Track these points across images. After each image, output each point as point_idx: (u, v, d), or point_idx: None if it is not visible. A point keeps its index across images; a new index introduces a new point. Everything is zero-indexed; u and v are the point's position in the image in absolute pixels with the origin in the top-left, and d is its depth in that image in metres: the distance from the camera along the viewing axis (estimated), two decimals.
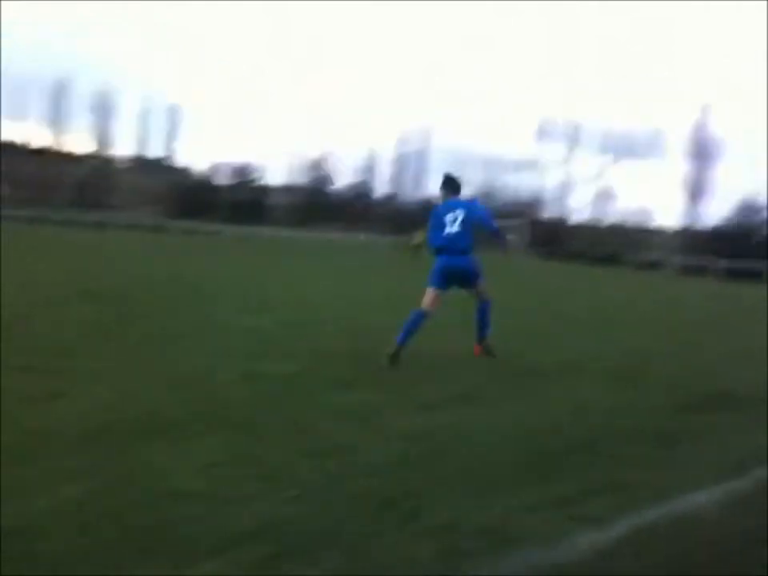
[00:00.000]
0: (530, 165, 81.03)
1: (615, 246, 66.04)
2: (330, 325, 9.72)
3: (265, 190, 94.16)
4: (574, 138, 77.46)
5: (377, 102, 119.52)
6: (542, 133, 78.95)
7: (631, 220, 74.38)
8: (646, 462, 4.57)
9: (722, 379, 7.65)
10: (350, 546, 3.04)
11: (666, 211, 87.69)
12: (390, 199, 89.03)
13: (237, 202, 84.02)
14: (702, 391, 6.95)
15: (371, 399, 5.65)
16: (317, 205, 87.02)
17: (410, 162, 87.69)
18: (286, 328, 9.15)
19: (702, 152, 65.84)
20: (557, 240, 67.96)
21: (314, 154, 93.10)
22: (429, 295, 7.45)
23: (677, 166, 77.22)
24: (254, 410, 5.09)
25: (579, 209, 78.22)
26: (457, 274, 7.52)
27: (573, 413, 5.69)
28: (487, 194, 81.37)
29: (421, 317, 7.32)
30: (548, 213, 78.75)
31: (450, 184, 7.97)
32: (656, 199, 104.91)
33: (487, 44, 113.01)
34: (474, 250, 7.54)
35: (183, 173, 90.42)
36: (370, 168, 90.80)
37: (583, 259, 56.99)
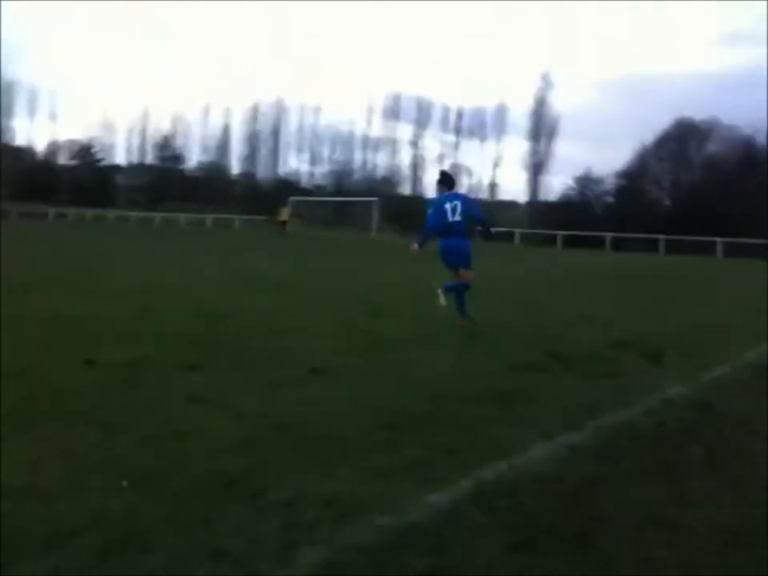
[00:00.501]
0: (384, 142, 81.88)
1: None
2: (180, 308, 9.41)
3: (111, 170, 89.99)
4: (424, 116, 78.94)
5: (227, 77, 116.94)
6: (392, 110, 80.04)
7: (482, 195, 76.81)
8: (486, 422, 4.71)
9: (558, 341, 8.04)
10: (188, 530, 2.94)
11: (513, 186, 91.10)
12: (245, 177, 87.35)
13: (80, 182, 79.88)
14: (539, 352, 7.28)
15: (220, 381, 5.51)
16: (168, 184, 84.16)
17: (263, 139, 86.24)
18: (133, 313, 8.76)
19: (543, 128, 68.86)
20: (410, 216, 69.12)
21: (163, 131, 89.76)
22: (453, 276, 8.85)
23: (520, 142, 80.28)
24: (94, 399, 4.83)
25: (432, 185, 79.58)
26: (455, 254, 8.76)
27: (418, 381, 5.79)
28: (342, 172, 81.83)
29: (461, 287, 8.78)
30: (402, 190, 79.96)
31: (447, 180, 9.20)
32: (504, 174, 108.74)
33: (333, 24, 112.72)
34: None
35: (20, 153, 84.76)
36: (222, 146, 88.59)
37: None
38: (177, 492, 3.32)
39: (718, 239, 43.32)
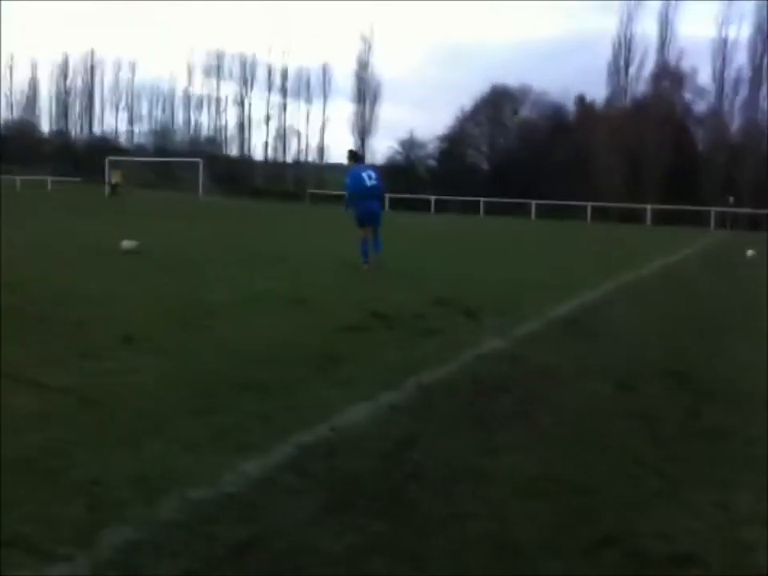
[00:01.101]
0: (207, 101, 79.15)
1: (296, 183, 67.79)
2: None
3: None
4: (248, 75, 77.06)
5: (33, 27, 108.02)
6: (215, 69, 77.50)
7: (311, 158, 76.59)
8: (306, 385, 4.69)
9: (380, 302, 8.17)
10: None
11: (341, 149, 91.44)
12: (58, 136, 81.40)
13: None
14: (362, 314, 7.36)
15: (24, 354, 5.10)
16: None
17: (75, 96, 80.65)
18: None
19: (367, 91, 69.44)
20: (237, 178, 67.83)
21: None
22: (361, 232, 11.32)
23: (346, 105, 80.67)
24: None
25: (260, 147, 78.72)
26: (372, 215, 11.27)
27: (237, 347, 5.67)
28: (164, 132, 78.33)
29: (366, 242, 11.15)
30: (228, 151, 77.96)
31: (355, 156, 12.47)
32: (331, 137, 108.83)
33: None
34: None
35: None
36: (30, 103, 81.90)
37: (266, 195, 57.71)
38: None
39: (533, 201, 45.92)
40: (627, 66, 59.11)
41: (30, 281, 8.38)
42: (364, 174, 11.24)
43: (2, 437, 3.47)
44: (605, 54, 60.36)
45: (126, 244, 11.78)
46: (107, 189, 42.60)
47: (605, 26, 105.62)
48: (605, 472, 3.52)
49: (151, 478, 3.14)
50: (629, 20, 58.69)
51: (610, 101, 60.27)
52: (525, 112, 65.25)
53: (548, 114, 63.44)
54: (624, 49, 58.87)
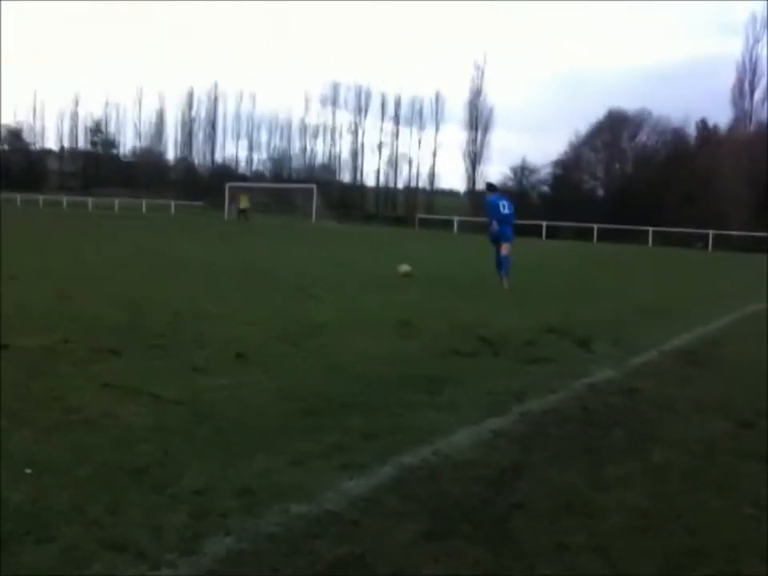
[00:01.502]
0: (322, 130, 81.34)
1: (406, 208, 68.33)
2: (102, 293, 9.12)
3: (43, 155, 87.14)
4: (362, 105, 78.72)
5: (162, 62, 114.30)
6: (331, 99, 79.59)
7: (422, 183, 77.20)
8: (413, 407, 4.66)
9: (489, 327, 8.05)
10: (92, 521, 2.79)
11: (452, 175, 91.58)
12: (182, 163, 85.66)
13: (10, 167, 77.04)
14: (470, 338, 7.27)
15: (139, 367, 5.33)
16: (102, 170, 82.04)
17: (199, 125, 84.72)
18: (51, 299, 8.45)
19: (480, 118, 69.46)
20: (350, 203, 69.11)
21: (95, 116, 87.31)
22: (497, 249, 13.44)
23: (458, 132, 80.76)
24: (3, 385, 4.59)
25: (372, 173, 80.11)
26: (503, 236, 13.30)
27: (345, 367, 5.70)
28: (281, 159, 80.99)
29: (499, 255, 13.34)
30: (341, 177, 79.68)
31: (493, 187, 14.41)
32: (443, 164, 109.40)
33: (271, 12, 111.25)
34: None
35: None
36: (158, 132, 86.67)
37: (376, 220, 58.46)
38: (82, 481, 3.16)
39: (650, 228, 44.44)
40: (752, 89, 56.56)
41: (150, 299, 8.78)
42: (500, 203, 13.44)
43: (118, 447, 3.61)
44: (728, 77, 58.07)
45: (403, 268, 13.65)
46: (234, 213, 44.20)
47: (729, 49, 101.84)
48: (720, 513, 3.30)
49: (255, 490, 3.18)
50: (754, 42, 56.28)
51: (733, 125, 57.77)
52: (643, 137, 63.43)
53: (667, 138, 61.44)
54: (749, 72, 56.40)
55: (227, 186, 54.20)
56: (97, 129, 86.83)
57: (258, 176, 78.18)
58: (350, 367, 5.68)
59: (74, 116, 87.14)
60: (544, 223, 48.33)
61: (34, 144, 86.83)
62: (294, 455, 3.65)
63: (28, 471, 3.22)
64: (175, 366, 5.41)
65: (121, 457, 3.48)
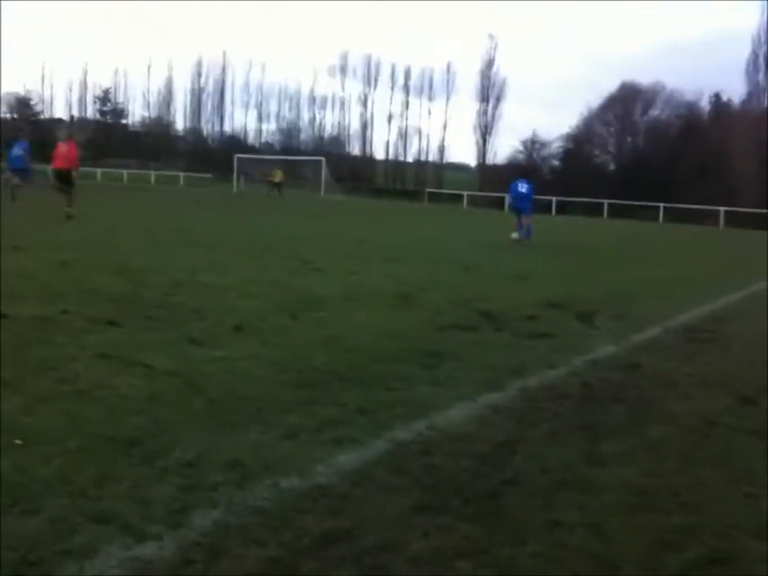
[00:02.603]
0: (331, 101, 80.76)
1: (416, 181, 67.95)
2: (104, 264, 9.10)
3: (51, 123, 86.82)
4: (372, 74, 78.03)
5: (171, 31, 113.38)
6: (340, 69, 78.88)
7: (432, 157, 76.73)
8: (410, 381, 4.62)
9: (491, 302, 7.99)
10: (79, 492, 2.77)
11: (463, 148, 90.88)
12: (191, 134, 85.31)
13: (19, 136, 76.73)
14: (470, 311, 7.22)
15: (137, 338, 5.31)
16: (110, 139, 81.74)
17: (208, 95, 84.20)
18: (53, 269, 8.43)
19: (491, 89, 68.80)
20: (359, 176, 68.72)
21: (104, 83, 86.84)
22: (516, 220, 18.46)
23: (469, 104, 79.98)
24: None
25: (381, 146, 79.68)
26: (519, 209, 18.33)
27: (342, 340, 5.66)
28: (290, 131, 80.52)
29: (520, 226, 18.19)
30: (351, 150, 79.25)
31: (519, 174, 21.63)
32: (453, 137, 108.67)
33: None
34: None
35: None
36: (167, 101, 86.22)
37: (385, 194, 58.22)
38: (71, 452, 3.14)
39: (661, 204, 44.09)
40: (767, 63, 55.70)
41: (152, 270, 8.75)
42: (519, 184, 18.53)
43: (110, 418, 3.59)
44: (743, 51, 57.24)
45: (514, 235, 17.78)
46: (270, 186, 44.33)
47: (744, 22, 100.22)
48: (716, 490, 3.26)
49: (246, 464, 3.16)
50: None
51: (747, 100, 57.02)
52: (656, 111, 62.76)
53: (680, 112, 60.74)
54: (764, 45, 55.54)
55: (236, 157, 53.99)
56: (105, 97, 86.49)
57: (267, 148, 77.85)
58: (348, 340, 5.64)
59: (83, 85, 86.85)
60: (554, 198, 48.00)
61: (43, 113, 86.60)
62: (287, 428, 3.62)
63: (18, 442, 3.20)
64: (172, 337, 5.38)
65: (113, 428, 3.45)
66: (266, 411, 3.86)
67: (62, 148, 17.02)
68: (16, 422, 3.44)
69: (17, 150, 21.75)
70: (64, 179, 16.66)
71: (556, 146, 66.32)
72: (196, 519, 2.63)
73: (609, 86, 65.62)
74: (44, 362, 4.48)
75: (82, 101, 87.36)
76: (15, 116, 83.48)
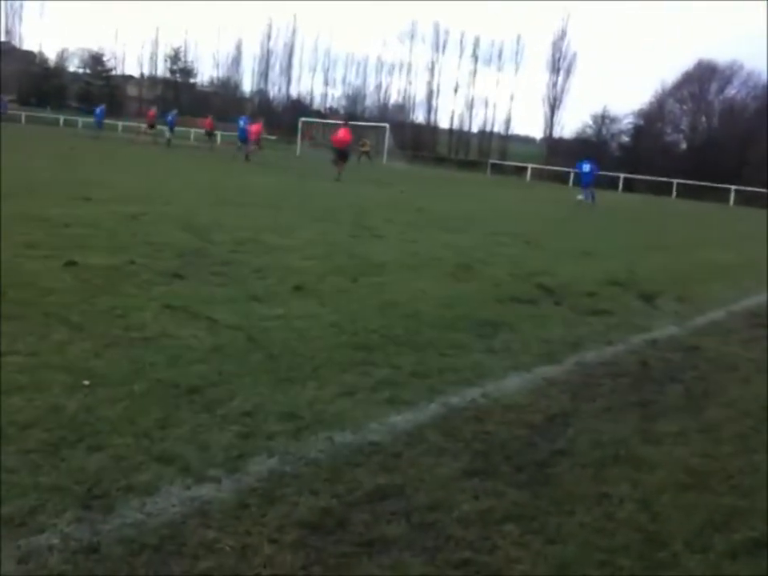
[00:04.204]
0: (398, 68, 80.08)
1: (479, 152, 67.17)
2: (172, 218, 9.30)
3: (123, 80, 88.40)
4: (440, 43, 77.00)
5: None
6: (409, 35, 78.04)
7: (497, 128, 75.62)
8: (465, 350, 4.64)
9: (551, 276, 7.92)
10: (142, 433, 2.89)
11: (529, 121, 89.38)
12: (257, 95, 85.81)
13: (91, 91, 78.49)
14: (529, 286, 7.17)
15: (201, 291, 5.44)
16: (179, 98, 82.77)
17: (276, 58, 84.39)
18: (121, 220, 8.67)
19: (561, 61, 67.25)
20: (422, 145, 68.24)
21: (175, 42, 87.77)
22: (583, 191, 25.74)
23: (538, 76, 78.46)
24: (68, 300, 4.76)
25: (446, 115, 78.95)
26: (585, 182, 25.86)
27: (401, 305, 5.70)
28: (355, 96, 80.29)
29: (586, 195, 25.12)
30: (414, 118, 78.62)
31: (584, 156, 28.83)
32: (519, 108, 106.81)
33: None
34: None
35: (30, 57, 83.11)
36: (235, 62, 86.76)
37: (448, 163, 57.76)
38: (136, 395, 3.27)
39: (732, 187, 42.70)
40: None
41: (218, 227, 8.92)
42: (585, 163, 24.55)
43: (174, 366, 3.71)
44: None
45: (580, 197, 23.05)
46: (359, 155, 44.62)
47: None
48: None
49: (302, 417, 3.24)
50: None
51: None
52: (732, 90, 60.46)
53: (757, 93, 58.40)
54: None
55: (301, 120, 54.16)
56: (176, 56, 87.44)
57: (332, 112, 77.87)
58: (405, 306, 5.68)
59: (155, 44, 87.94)
60: (621, 175, 46.90)
61: (115, 69, 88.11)
62: (343, 386, 3.69)
63: (86, 383, 3.34)
64: (235, 293, 5.50)
65: (176, 375, 3.57)
66: (323, 369, 3.94)
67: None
68: (85, 365, 3.59)
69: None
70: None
71: (626, 122, 64.70)
72: (252, 466, 2.73)
73: (684, 62, 63.37)
74: (112, 310, 4.64)
75: (153, 59, 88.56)
76: (87, 71, 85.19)
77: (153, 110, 41.35)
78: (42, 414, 2.96)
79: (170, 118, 37.76)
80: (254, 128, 30.29)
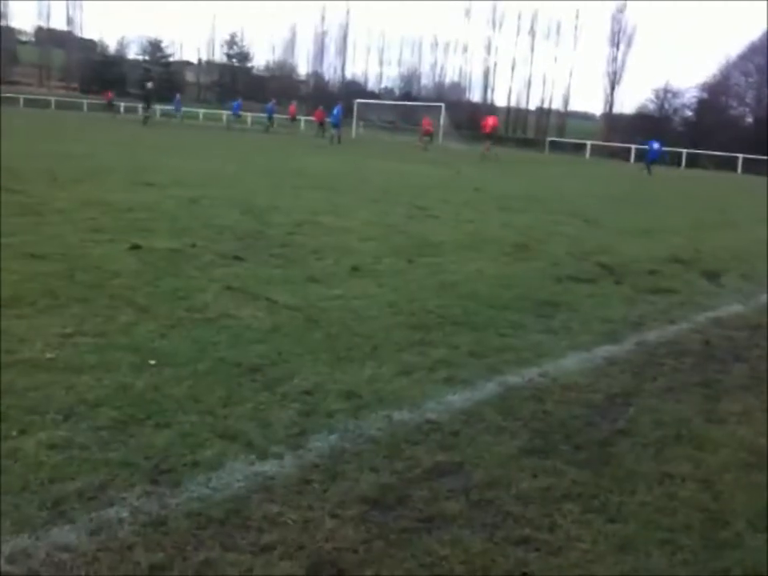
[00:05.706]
0: (453, 46, 79.26)
1: (537, 130, 66.14)
2: (230, 201, 9.44)
3: (181, 66, 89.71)
4: (497, 20, 75.90)
5: None
6: (466, 12, 77.08)
7: (555, 105, 74.34)
8: (523, 329, 4.62)
9: (611, 254, 7.79)
10: (207, 411, 2.97)
11: (588, 97, 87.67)
12: (313, 77, 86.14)
13: (150, 78, 79.72)
14: (590, 263, 7.07)
15: (260, 273, 5.53)
16: (236, 82, 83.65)
17: (331, 39, 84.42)
18: (182, 205, 8.84)
19: (621, 34, 65.59)
20: (478, 124, 67.44)
21: (231, 28, 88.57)
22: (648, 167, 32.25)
23: (597, 51, 76.57)
24: (133, 282, 4.89)
25: (503, 93, 78.00)
26: (650, 158, 32.95)
27: (458, 285, 5.69)
28: (410, 76, 79.84)
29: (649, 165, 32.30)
30: (471, 97, 77.82)
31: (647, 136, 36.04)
32: (578, 85, 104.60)
33: None
34: None
35: (90, 45, 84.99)
36: (290, 45, 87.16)
37: (505, 142, 57.07)
38: (200, 374, 3.35)
39: None
40: None
41: (275, 209, 9.02)
42: (654, 142, 29.88)
43: (235, 346, 3.79)
44: None
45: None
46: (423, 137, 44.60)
47: None
48: None
49: (361, 395, 3.28)
50: None
51: None
52: None
53: None
54: None
55: (356, 102, 54.18)
56: (232, 41, 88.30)
57: (387, 93, 77.66)
58: (462, 286, 5.67)
59: (212, 30, 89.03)
60: (684, 151, 45.66)
61: (174, 55, 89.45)
62: (401, 366, 3.72)
63: (152, 362, 3.44)
64: (293, 274, 5.58)
65: (237, 354, 3.65)
66: (381, 348, 3.97)
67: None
68: (150, 345, 3.70)
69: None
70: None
71: (689, 96, 62.87)
72: (314, 442, 2.78)
73: (750, 33, 61.11)
74: (175, 291, 4.76)
75: (210, 45, 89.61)
76: (147, 58, 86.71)
77: (319, 109, 44.08)
78: (111, 392, 3.07)
79: (269, 106, 45.45)
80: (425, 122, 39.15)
